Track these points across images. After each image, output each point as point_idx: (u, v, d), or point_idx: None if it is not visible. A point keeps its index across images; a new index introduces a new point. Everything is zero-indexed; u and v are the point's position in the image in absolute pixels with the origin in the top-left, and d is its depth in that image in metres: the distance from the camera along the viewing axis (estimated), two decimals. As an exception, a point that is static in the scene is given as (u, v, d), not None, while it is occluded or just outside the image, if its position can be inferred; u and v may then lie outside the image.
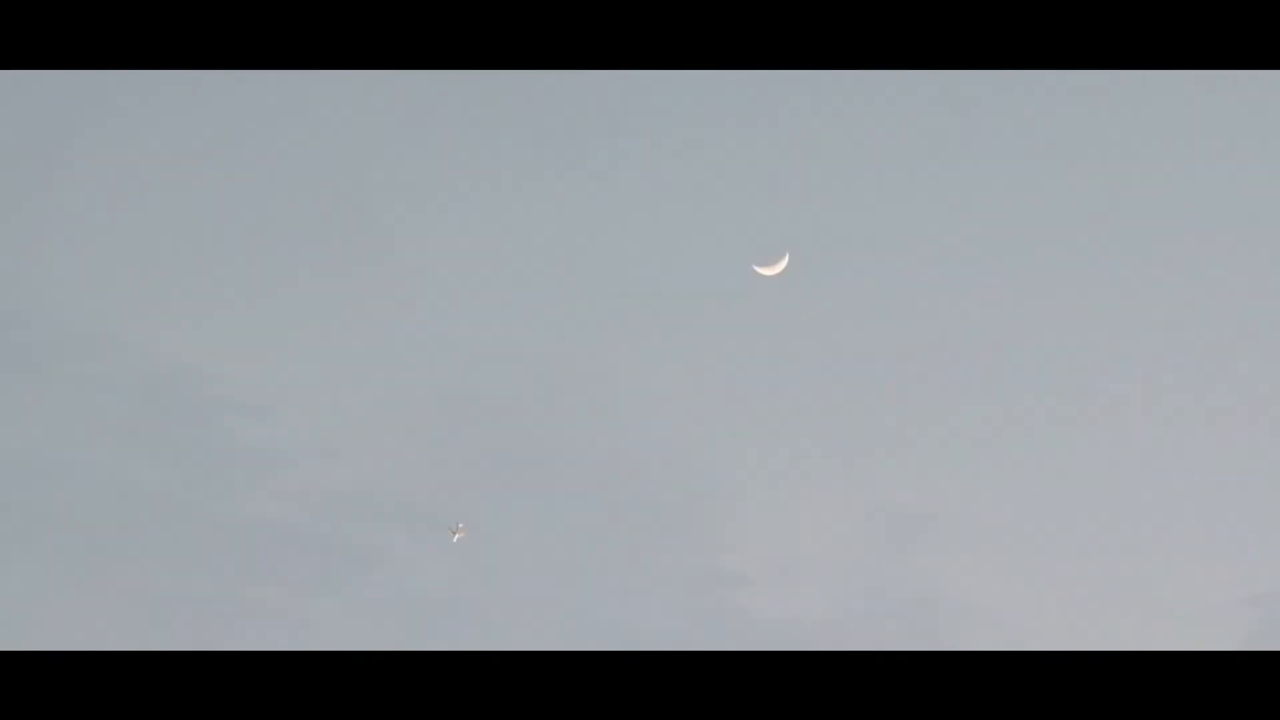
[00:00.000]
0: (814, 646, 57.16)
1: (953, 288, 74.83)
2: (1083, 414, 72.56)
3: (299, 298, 73.86)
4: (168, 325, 71.30)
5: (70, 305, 70.14)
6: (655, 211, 74.25)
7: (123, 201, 73.54)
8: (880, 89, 69.17)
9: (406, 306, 74.22)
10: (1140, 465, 70.66)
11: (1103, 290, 74.01)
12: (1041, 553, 69.46)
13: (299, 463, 69.89)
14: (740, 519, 71.41)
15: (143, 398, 70.49)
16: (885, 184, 72.60)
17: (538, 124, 73.30)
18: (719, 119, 71.84)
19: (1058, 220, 74.18)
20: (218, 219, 74.48)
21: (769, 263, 59.81)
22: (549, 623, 63.17)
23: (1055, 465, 71.23)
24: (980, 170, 73.67)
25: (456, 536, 60.21)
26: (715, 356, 72.59)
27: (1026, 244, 74.55)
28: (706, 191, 73.08)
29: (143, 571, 64.93)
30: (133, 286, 72.14)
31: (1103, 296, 73.95)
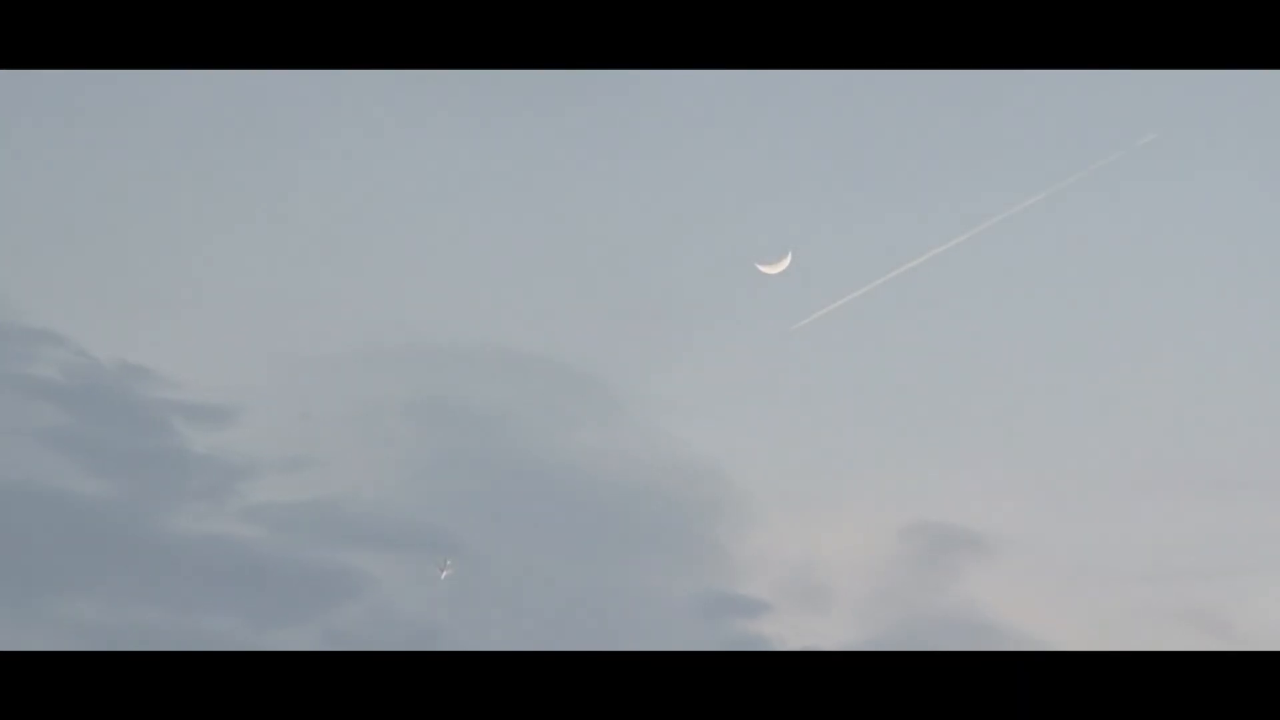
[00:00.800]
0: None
1: (991, 289, 74.54)
2: (1139, 427, 71.33)
3: (260, 289, 72.45)
4: (109, 319, 69.89)
5: None
6: (660, 208, 74.74)
7: (56, 187, 72.43)
8: (891, 86, 70.11)
9: (387, 301, 73.44)
10: (1201, 485, 68.47)
11: (1158, 301, 73.87)
12: (1095, 578, 68.23)
13: (262, 475, 68.36)
14: (757, 539, 69.90)
15: (81, 400, 68.73)
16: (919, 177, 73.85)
17: (541, 122, 74.31)
18: (725, 117, 74.12)
19: (1102, 214, 73.93)
20: (169, 205, 73.80)
21: (772, 261, 60.49)
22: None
23: (1111, 479, 69.62)
24: (1008, 161, 74.39)
25: (445, 573, 59.64)
26: (731, 360, 71.96)
27: (1066, 239, 74.75)
28: (712, 188, 74.07)
29: (82, 597, 63.26)
30: (70, 277, 71.04)
31: (1158, 308, 73.92)
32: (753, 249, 64.25)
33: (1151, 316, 73.53)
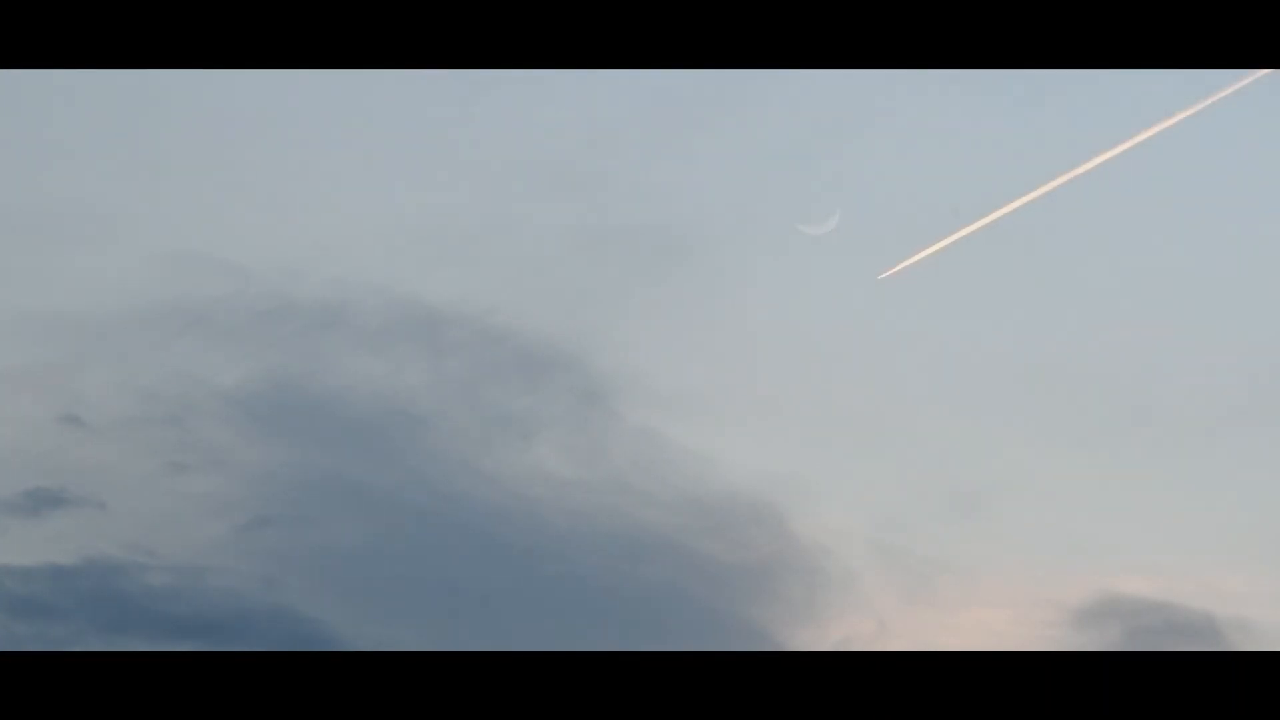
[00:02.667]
0: None
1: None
2: None
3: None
4: None
5: None
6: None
7: None
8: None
9: (195, 225, 58.59)
10: None
11: None
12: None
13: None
14: (843, 622, 53.83)
15: None
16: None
17: (551, 120, 64.90)
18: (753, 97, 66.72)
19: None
20: None
21: (817, 221, 56.12)
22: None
23: None
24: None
25: None
26: (789, 336, 59.29)
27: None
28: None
29: None
30: None
31: None
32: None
33: None
